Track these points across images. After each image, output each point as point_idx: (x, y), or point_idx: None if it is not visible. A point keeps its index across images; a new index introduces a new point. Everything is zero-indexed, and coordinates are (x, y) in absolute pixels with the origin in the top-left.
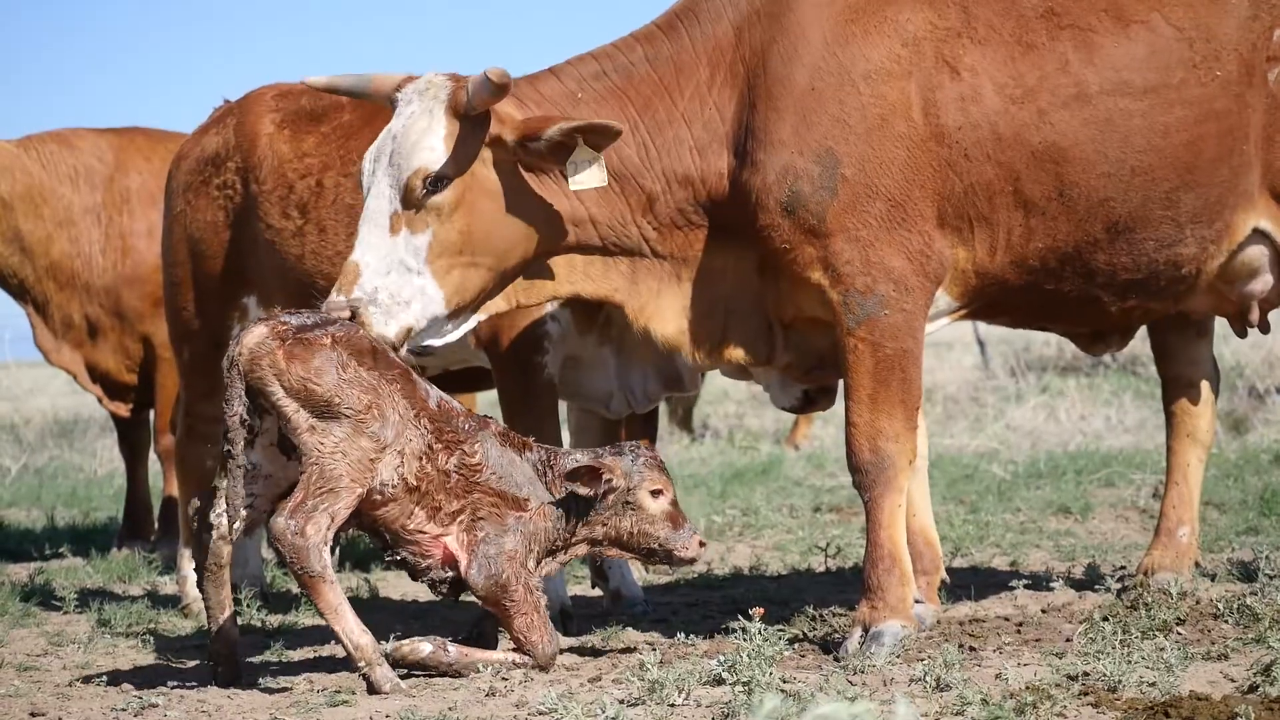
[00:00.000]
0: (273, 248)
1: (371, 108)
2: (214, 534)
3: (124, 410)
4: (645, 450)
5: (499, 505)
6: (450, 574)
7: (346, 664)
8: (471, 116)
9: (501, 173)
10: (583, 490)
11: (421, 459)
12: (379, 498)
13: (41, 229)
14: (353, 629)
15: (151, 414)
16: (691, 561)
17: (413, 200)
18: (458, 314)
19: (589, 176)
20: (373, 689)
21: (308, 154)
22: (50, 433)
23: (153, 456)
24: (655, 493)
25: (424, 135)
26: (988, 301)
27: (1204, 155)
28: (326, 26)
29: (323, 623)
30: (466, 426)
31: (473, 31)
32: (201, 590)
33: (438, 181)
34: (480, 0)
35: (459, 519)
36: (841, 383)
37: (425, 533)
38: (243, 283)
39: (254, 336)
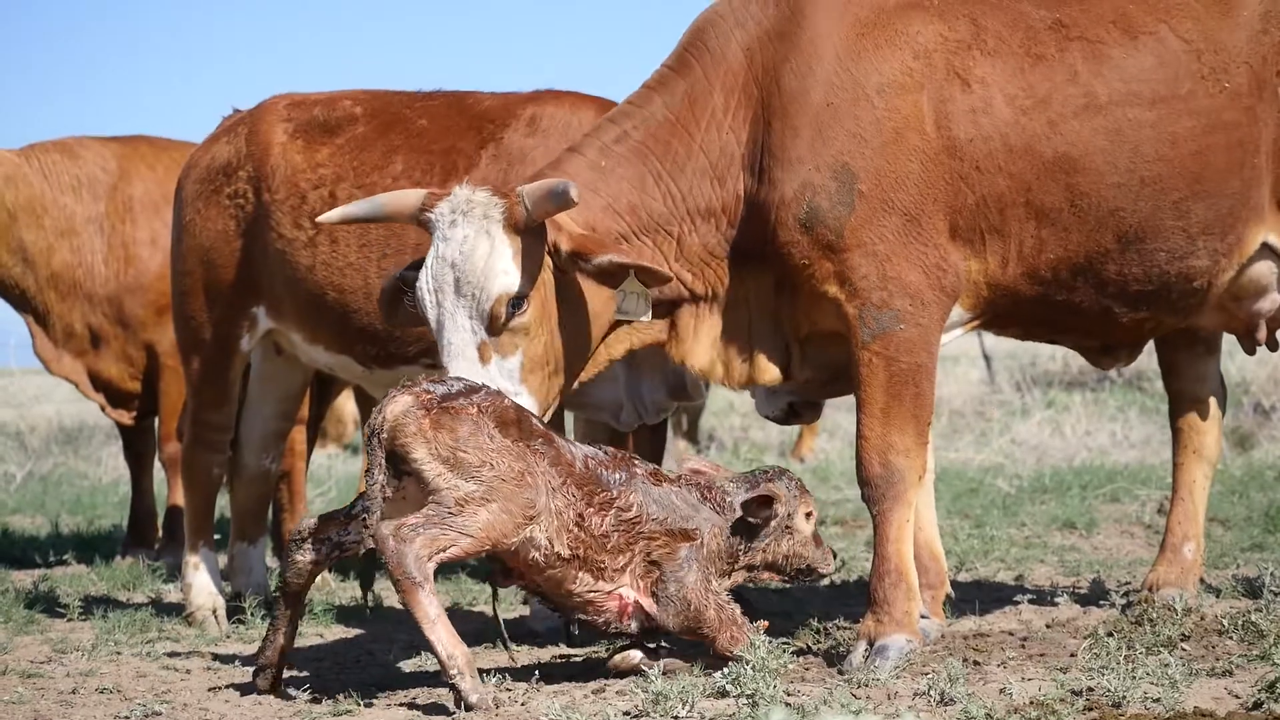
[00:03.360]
0: (284, 258)
1: (386, 121)
2: (315, 556)
3: (127, 418)
4: (789, 474)
5: (669, 543)
6: (633, 625)
7: (349, 674)
8: (531, 229)
9: (566, 280)
10: (754, 519)
11: (574, 528)
12: (535, 561)
13: (43, 239)
14: (446, 638)
15: (156, 422)
16: (828, 575)
17: (498, 327)
18: (547, 410)
19: (635, 309)
20: (462, 701)
21: (321, 165)
22: (55, 440)
23: (157, 465)
24: (808, 515)
25: (493, 259)
26: (999, 313)
27: (1213, 166)
28: (332, 34)
29: (326, 635)
30: (617, 479)
31: (480, 38)
32: (279, 598)
33: (518, 302)
34: (490, 8)
35: (629, 569)
36: (841, 397)
37: (596, 592)
38: (253, 292)
39: (399, 405)
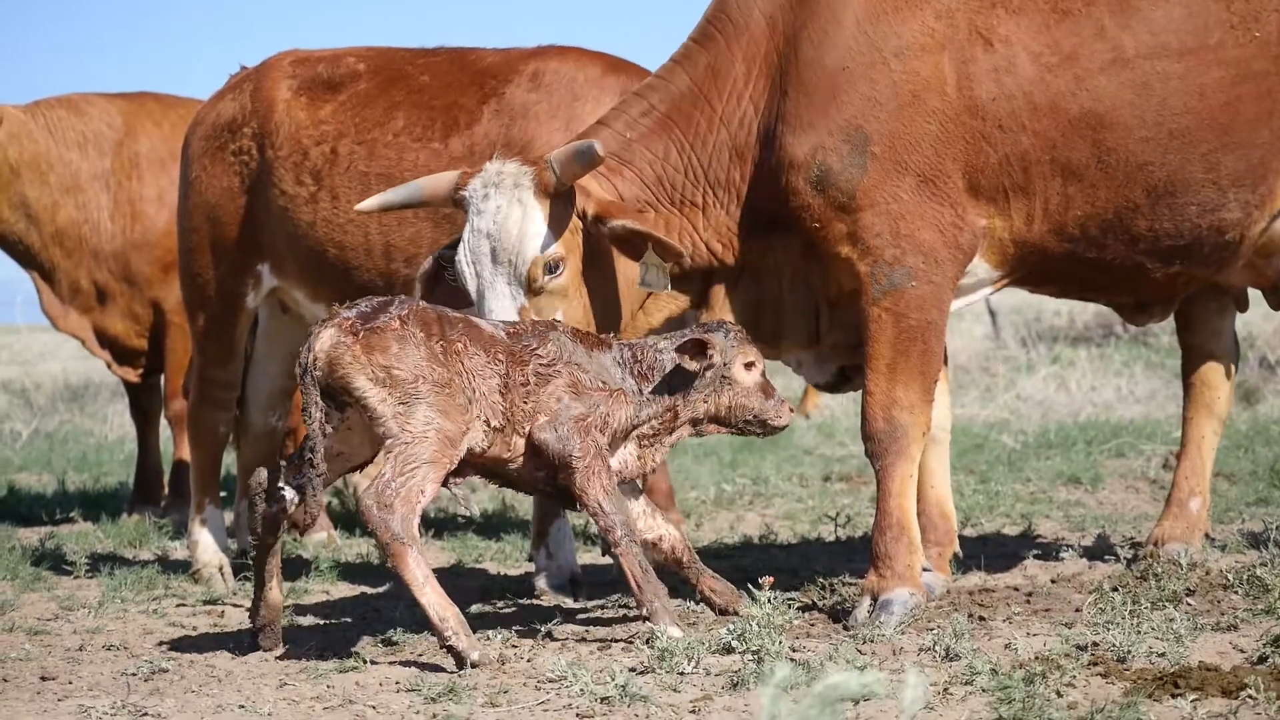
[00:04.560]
0: (285, 214)
1: (388, 77)
2: (275, 507)
3: (133, 375)
4: (731, 325)
5: (575, 386)
6: (540, 472)
7: (354, 631)
8: (561, 194)
9: (597, 245)
10: (690, 364)
11: (499, 397)
12: (479, 453)
13: (47, 195)
14: (437, 600)
15: (162, 379)
16: (783, 428)
17: (536, 289)
18: None
19: (655, 282)
20: (459, 660)
21: (324, 121)
22: (61, 397)
23: (163, 422)
24: (748, 365)
25: (526, 224)
26: (1030, 270)
27: (1242, 116)
28: None
29: (333, 593)
30: (535, 331)
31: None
32: (254, 559)
33: (554, 265)
34: None
35: (539, 411)
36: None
37: (524, 451)
38: (257, 249)
39: (326, 338)
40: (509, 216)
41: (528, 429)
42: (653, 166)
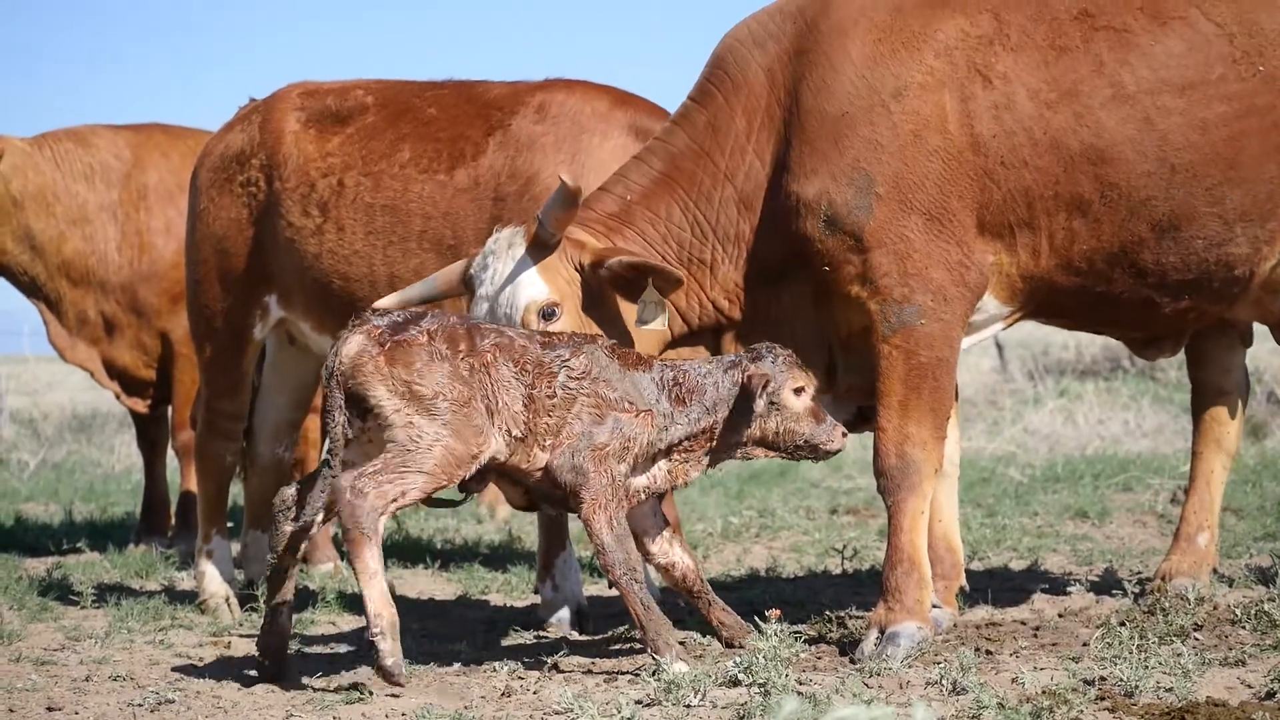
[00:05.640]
0: (291, 246)
1: (396, 110)
2: (292, 526)
3: (142, 406)
4: (780, 349)
5: (600, 408)
6: (557, 490)
7: (361, 662)
8: (553, 245)
9: (598, 294)
10: (758, 402)
11: (523, 409)
12: (500, 460)
13: (53, 227)
14: (378, 597)
15: (169, 410)
16: (836, 452)
17: None
18: None
19: (653, 319)
20: (378, 661)
21: (331, 153)
22: (69, 428)
23: (170, 453)
24: (798, 390)
25: (518, 274)
26: (1040, 304)
27: (1247, 151)
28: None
29: (340, 624)
30: (571, 343)
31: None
32: (268, 580)
33: (550, 311)
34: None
35: (564, 428)
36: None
37: (545, 464)
38: (265, 280)
39: (353, 345)
40: (502, 271)
41: (549, 443)
42: (654, 226)
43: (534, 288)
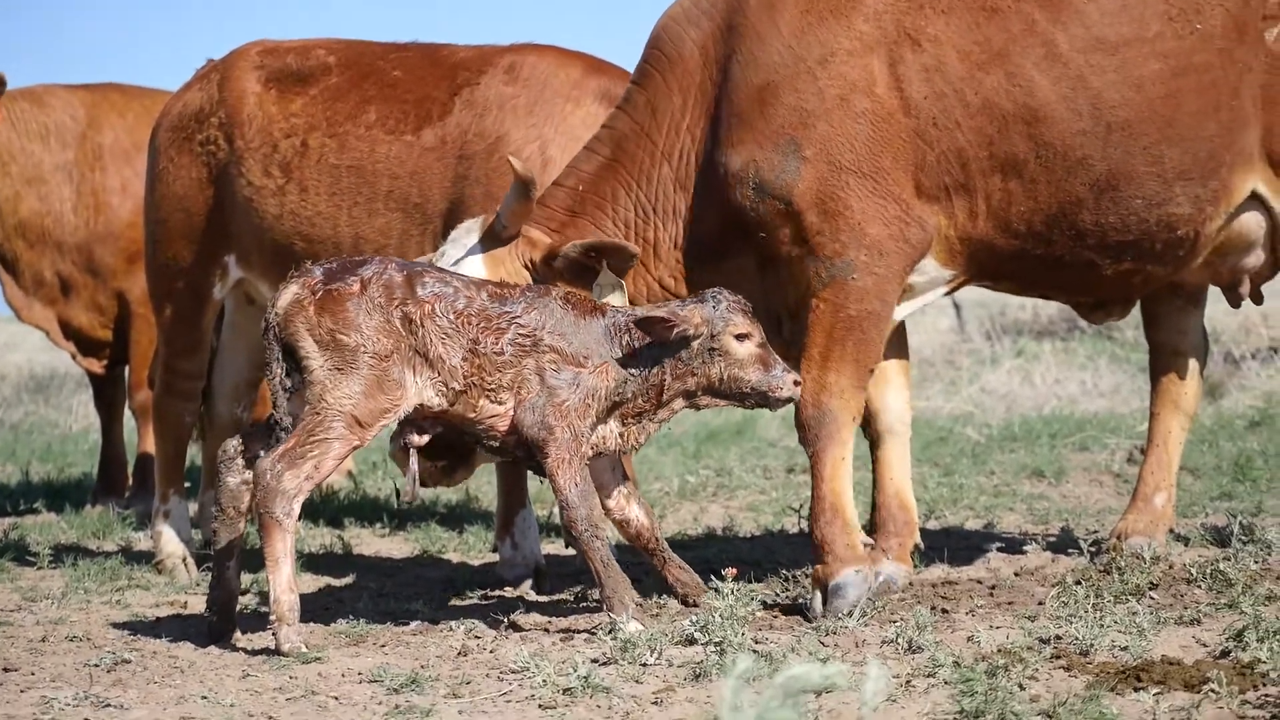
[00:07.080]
0: (251, 205)
1: (360, 71)
2: (238, 479)
3: (98, 367)
4: (727, 295)
5: (556, 362)
6: (519, 448)
7: (319, 620)
8: (505, 238)
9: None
10: (655, 338)
11: (466, 360)
12: (435, 406)
13: (8, 187)
14: (282, 583)
15: (126, 370)
16: (788, 400)
17: None
18: None
19: (612, 299)
20: (278, 645)
21: (294, 114)
22: (26, 388)
23: (128, 414)
24: (740, 336)
25: (464, 260)
26: (982, 267)
27: (1185, 109)
28: None
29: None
30: (526, 297)
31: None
32: (215, 534)
33: None
34: None
35: (518, 385)
36: None
37: (494, 415)
38: (224, 240)
39: (287, 296)
40: (451, 259)
41: (505, 399)
42: (603, 211)
43: (478, 269)
